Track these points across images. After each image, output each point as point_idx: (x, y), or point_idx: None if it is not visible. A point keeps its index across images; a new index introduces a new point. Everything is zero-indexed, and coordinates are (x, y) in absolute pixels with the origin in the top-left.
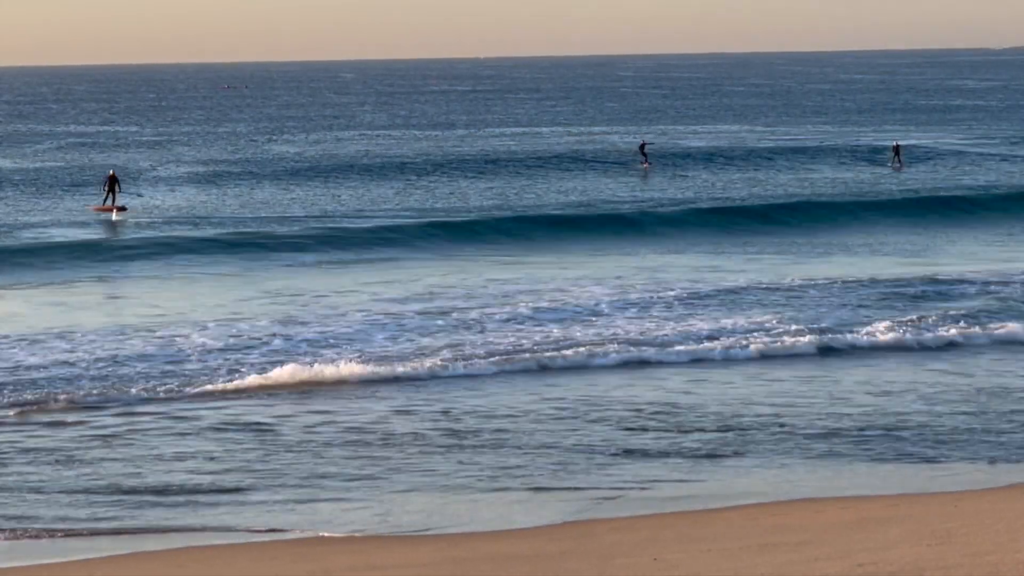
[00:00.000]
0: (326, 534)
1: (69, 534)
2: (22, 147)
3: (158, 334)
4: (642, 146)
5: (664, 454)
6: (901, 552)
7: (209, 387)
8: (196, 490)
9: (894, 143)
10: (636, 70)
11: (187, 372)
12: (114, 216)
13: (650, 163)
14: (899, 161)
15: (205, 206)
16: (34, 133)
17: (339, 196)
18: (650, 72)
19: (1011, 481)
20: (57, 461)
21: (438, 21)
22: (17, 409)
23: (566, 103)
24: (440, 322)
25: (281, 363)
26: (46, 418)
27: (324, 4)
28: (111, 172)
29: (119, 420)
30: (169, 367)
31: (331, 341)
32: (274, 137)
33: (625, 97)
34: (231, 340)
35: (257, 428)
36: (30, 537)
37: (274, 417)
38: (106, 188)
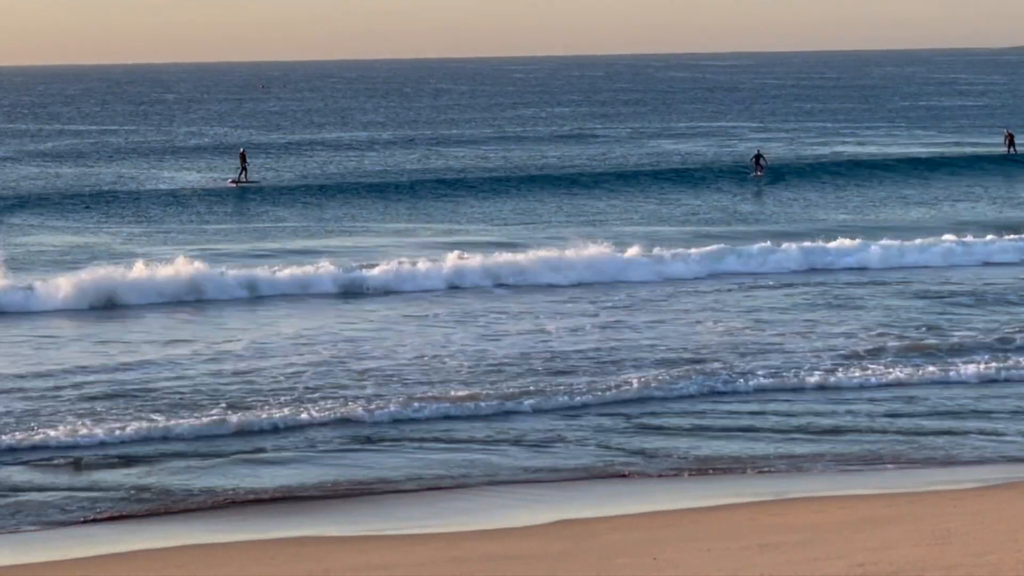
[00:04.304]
0: (326, 534)
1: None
2: None
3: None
4: (757, 156)
5: None
6: (901, 552)
7: None
8: None
9: (1006, 131)
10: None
11: None
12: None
13: (763, 173)
14: (1013, 148)
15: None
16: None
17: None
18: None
19: (1011, 481)
20: None
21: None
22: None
23: (610, 105)
24: None
25: None
26: None
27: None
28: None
29: None
30: None
31: None
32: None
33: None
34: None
35: None
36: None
37: None
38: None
